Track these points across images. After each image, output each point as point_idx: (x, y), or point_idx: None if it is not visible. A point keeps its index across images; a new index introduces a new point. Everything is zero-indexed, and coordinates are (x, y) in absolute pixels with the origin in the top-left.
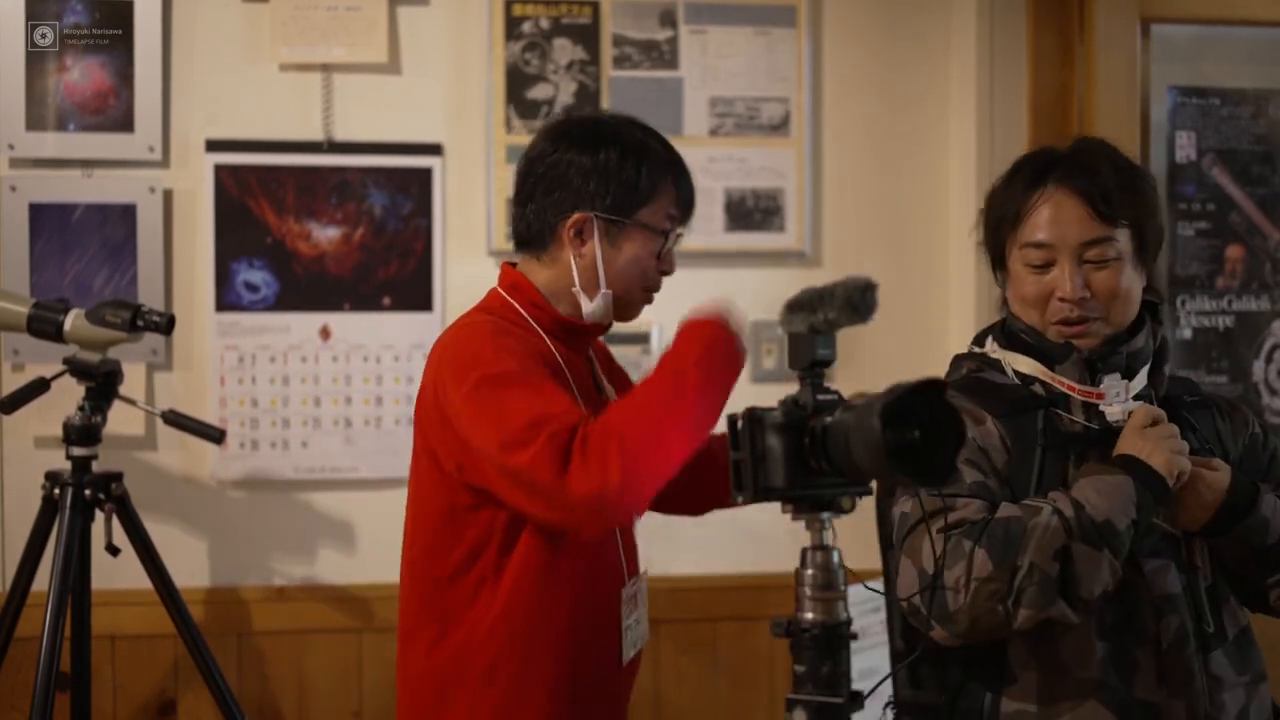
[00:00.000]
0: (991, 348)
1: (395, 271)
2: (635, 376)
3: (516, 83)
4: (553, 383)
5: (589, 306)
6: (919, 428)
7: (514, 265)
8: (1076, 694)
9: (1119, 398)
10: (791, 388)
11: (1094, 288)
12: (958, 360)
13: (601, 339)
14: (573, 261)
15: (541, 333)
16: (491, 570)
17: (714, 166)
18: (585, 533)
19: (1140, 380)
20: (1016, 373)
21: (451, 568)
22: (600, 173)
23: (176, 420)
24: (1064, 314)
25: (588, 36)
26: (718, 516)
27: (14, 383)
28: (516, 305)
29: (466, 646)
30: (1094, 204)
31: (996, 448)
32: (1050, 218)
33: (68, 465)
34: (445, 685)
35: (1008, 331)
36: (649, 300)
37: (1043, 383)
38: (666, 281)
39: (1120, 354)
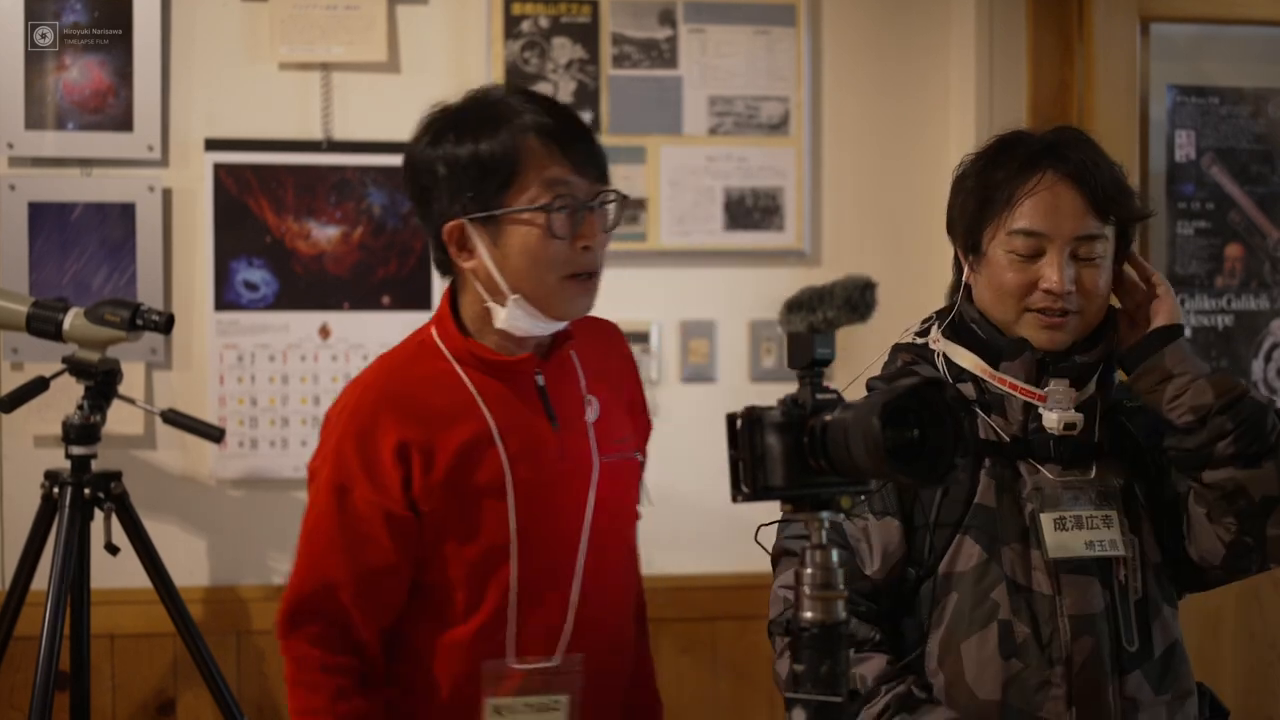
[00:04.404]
0: (934, 337)
1: (394, 270)
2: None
3: (516, 82)
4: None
5: (501, 318)
6: (918, 427)
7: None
8: (979, 716)
9: (1061, 404)
10: (791, 387)
11: (1079, 284)
12: (895, 350)
13: (585, 334)
14: (471, 276)
15: (465, 378)
16: None
17: (713, 166)
18: None
19: (1088, 390)
20: (950, 366)
21: None
22: (450, 168)
23: (176, 419)
24: (1045, 304)
25: (587, 35)
26: (717, 515)
27: (13, 382)
28: (439, 342)
29: None
30: (1094, 198)
31: None
32: (1047, 206)
33: (67, 464)
34: None
35: (956, 321)
36: (588, 287)
37: (979, 382)
38: (665, 282)
39: (1073, 361)
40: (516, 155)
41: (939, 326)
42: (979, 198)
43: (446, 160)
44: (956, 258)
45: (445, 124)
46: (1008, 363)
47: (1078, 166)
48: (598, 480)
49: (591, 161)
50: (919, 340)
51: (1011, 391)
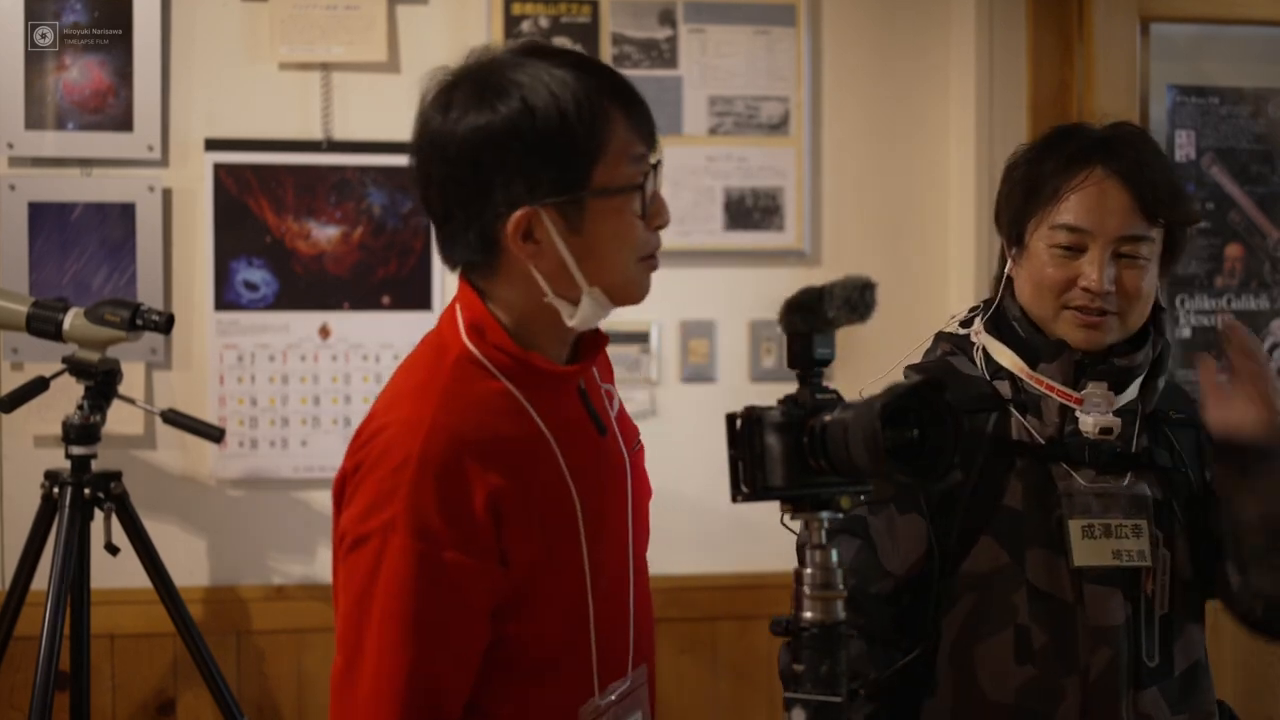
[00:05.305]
0: (976, 328)
1: (394, 270)
2: (637, 375)
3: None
4: None
5: (574, 315)
6: (918, 427)
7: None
8: (989, 718)
9: (1098, 408)
10: (790, 387)
11: (1120, 284)
12: (938, 339)
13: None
14: (534, 271)
15: (514, 390)
16: None
17: (713, 166)
18: None
19: (1130, 393)
20: (989, 362)
21: None
22: (526, 141)
23: (175, 419)
24: (1083, 302)
25: (587, 35)
26: (717, 515)
27: (13, 382)
28: (481, 357)
29: None
30: (1142, 199)
31: None
32: (1093, 202)
33: (67, 464)
34: None
35: (997, 316)
36: (653, 268)
37: (1015, 381)
38: (665, 282)
39: (1111, 364)
40: (602, 123)
41: (983, 318)
42: (1025, 188)
43: (519, 131)
44: (1002, 250)
45: (498, 86)
46: (1045, 364)
47: (1129, 165)
48: (631, 476)
49: (652, 127)
50: (961, 330)
51: (1048, 393)
